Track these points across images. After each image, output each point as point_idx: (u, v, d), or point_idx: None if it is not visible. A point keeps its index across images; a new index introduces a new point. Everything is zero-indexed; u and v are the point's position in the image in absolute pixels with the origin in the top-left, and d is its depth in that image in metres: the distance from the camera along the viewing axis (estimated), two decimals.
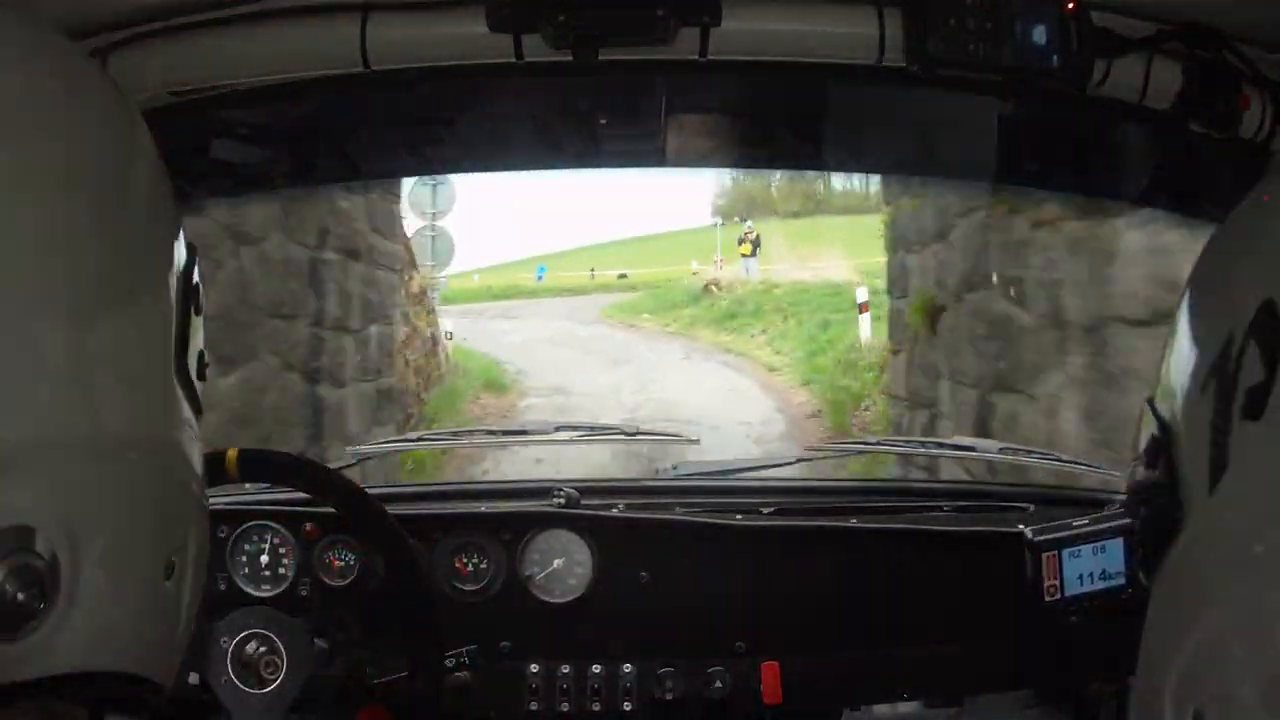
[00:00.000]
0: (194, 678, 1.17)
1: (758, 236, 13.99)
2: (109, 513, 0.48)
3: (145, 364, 0.50)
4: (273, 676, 1.11)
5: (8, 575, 0.42)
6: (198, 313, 0.55)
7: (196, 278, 0.55)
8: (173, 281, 0.52)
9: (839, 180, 13.25)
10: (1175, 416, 0.49)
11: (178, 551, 0.52)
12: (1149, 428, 0.52)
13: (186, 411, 0.54)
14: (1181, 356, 0.50)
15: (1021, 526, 1.31)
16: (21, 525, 0.43)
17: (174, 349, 0.52)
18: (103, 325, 0.47)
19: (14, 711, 0.45)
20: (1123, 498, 1.38)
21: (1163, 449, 0.49)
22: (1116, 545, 1.32)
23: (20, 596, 0.43)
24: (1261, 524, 0.40)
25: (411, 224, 7.68)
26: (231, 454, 1.09)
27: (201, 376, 0.56)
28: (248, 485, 1.51)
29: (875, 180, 8.41)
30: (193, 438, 0.55)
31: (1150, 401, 0.53)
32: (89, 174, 0.48)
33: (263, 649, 1.12)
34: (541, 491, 1.48)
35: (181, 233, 0.55)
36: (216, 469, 1.09)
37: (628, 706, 1.31)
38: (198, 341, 0.55)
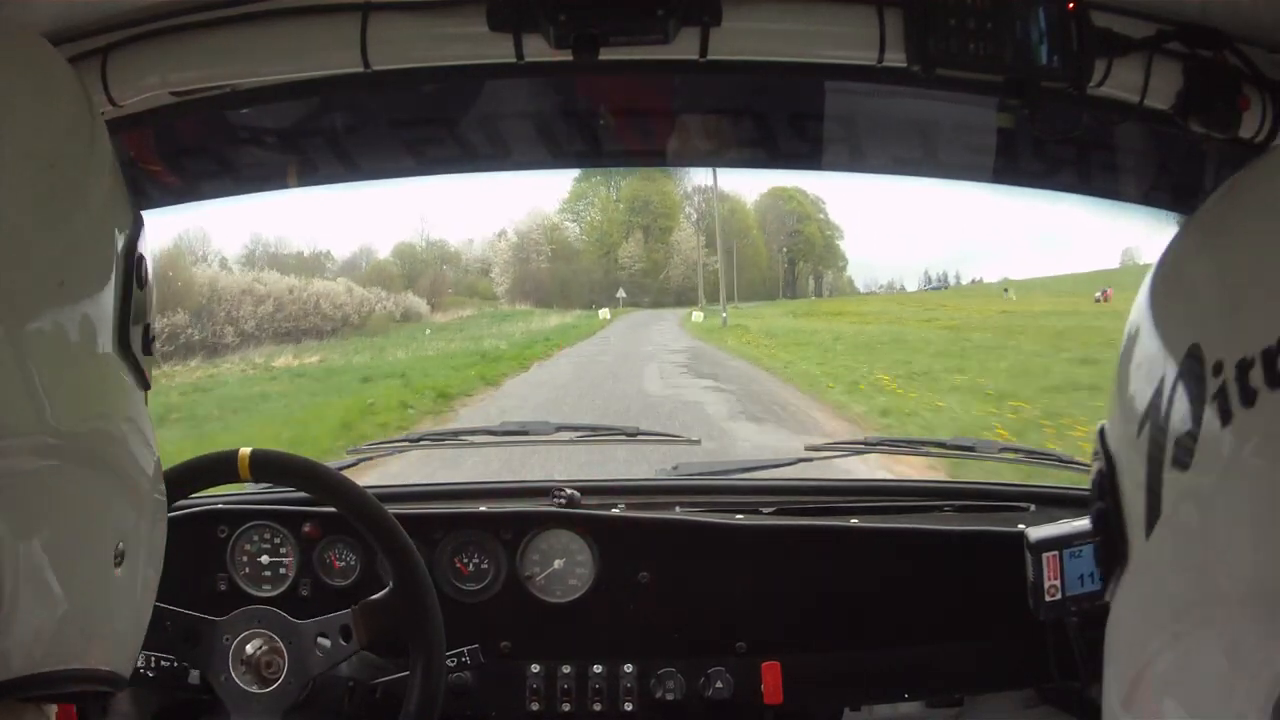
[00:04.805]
0: (195, 676, 1.17)
1: None
2: (50, 507, 0.44)
3: (85, 349, 0.47)
4: (274, 676, 1.11)
5: None
6: (140, 286, 0.52)
7: (141, 249, 0.52)
8: (116, 259, 0.50)
9: None
10: (1119, 452, 0.49)
11: (127, 537, 0.50)
12: (1099, 459, 0.51)
13: (132, 389, 0.52)
14: (1124, 394, 0.49)
15: (1022, 526, 1.31)
16: None
17: (115, 325, 0.49)
18: (43, 316, 0.44)
19: None
20: None
21: (1108, 483, 0.49)
22: None
23: None
24: (1181, 586, 0.41)
25: None
26: (244, 454, 1.11)
27: (148, 350, 0.53)
28: (247, 485, 1.51)
29: None
30: (140, 415, 0.53)
31: (1102, 431, 0.52)
32: (25, 166, 0.45)
33: (265, 649, 1.12)
34: (542, 491, 1.48)
35: (128, 204, 0.52)
36: (230, 468, 1.12)
37: (629, 707, 1.31)
38: (143, 314, 0.52)
